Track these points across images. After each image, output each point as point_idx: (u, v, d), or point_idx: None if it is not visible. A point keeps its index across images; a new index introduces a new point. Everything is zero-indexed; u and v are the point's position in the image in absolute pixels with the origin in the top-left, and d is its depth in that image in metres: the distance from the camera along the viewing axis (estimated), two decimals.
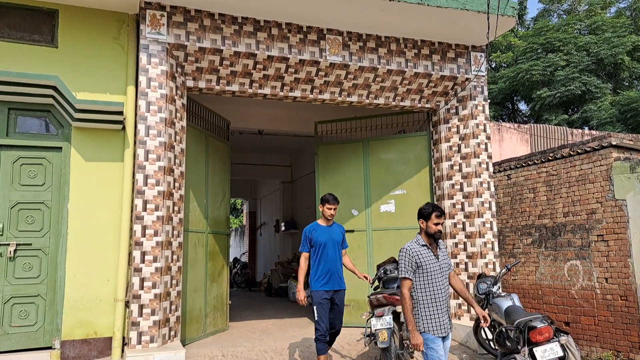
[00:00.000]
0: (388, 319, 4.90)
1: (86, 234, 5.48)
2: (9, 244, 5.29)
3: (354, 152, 7.84)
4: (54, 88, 5.31)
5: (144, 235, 5.30)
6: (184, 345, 5.81)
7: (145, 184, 5.42)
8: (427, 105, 7.23)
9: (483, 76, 7.13)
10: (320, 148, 8.04)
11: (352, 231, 7.66)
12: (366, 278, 5.41)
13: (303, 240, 5.31)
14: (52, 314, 5.38)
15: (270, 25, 6.15)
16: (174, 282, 5.55)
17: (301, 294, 5.14)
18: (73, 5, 5.67)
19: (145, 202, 5.38)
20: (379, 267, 6.18)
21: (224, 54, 5.98)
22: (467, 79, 7.01)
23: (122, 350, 5.33)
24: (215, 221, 7.25)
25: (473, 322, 5.72)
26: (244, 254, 18.68)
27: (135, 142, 5.63)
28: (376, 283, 5.86)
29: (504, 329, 4.71)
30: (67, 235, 5.42)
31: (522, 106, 20.11)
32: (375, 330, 4.90)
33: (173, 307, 5.51)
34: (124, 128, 5.72)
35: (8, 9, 5.50)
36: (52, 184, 5.56)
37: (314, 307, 5.06)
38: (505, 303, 5.12)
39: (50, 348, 5.33)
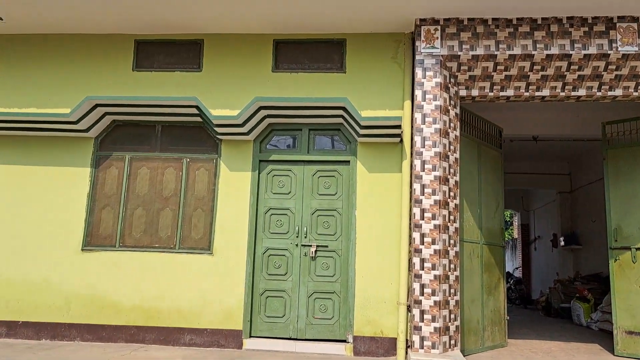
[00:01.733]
0: None
1: (371, 238, 6.01)
2: (311, 245, 6.18)
3: None
4: (344, 109, 6.02)
5: (422, 242, 5.53)
6: (464, 356, 5.81)
7: (422, 193, 5.66)
8: None
9: None
10: (610, 152, 7.09)
11: None
12: None
13: None
14: (345, 310, 6.04)
15: (549, 23, 5.76)
16: (452, 290, 5.62)
17: None
18: (358, 33, 6.36)
19: (422, 211, 5.62)
20: None
21: (497, 59, 5.85)
22: None
23: (406, 352, 5.62)
24: (489, 232, 7.08)
25: None
26: (517, 269, 17.66)
27: (411, 153, 5.95)
28: None
29: None
30: (355, 239, 6.04)
31: None
32: None
33: (452, 315, 5.57)
34: (401, 140, 6.10)
35: (307, 44, 6.49)
36: (342, 193, 6.29)
37: None
38: None
39: (344, 341, 5.98)
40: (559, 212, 13.56)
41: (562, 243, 13.00)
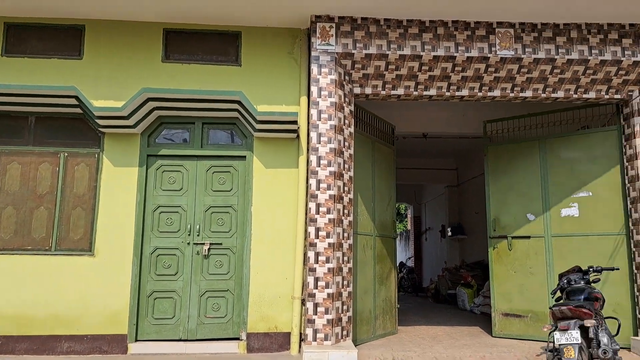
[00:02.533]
0: (575, 334, 4.43)
1: (267, 234, 5.94)
2: (204, 244, 5.98)
3: (528, 152, 7.29)
4: (239, 102, 5.88)
5: (317, 236, 5.58)
6: (355, 346, 5.96)
7: (318, 188, 5.70)
8: (616, 96, 6.42)
9: None
10: (491, 149, 7.63)
11: (528, 237, 7.12)
12: None
13: None
14: (239, 307, 5.93)
15: (436, 25, 6.04)
16: (345, 282, 5.73)
17: None
18: (254, 26, 6.23)
19: (318, 205, 5.66)
20: (561, 276, 5.64)
21: (389, 58, 6.03)
22: None
23: (300, 346, 5.65)
24: (382, 224, 7.33)
25: None
26: (409, 258, 18.58)
27: (308, 149, 5.96)
28: (558, 294, 5.35)
29: None
30: (251, 236, 5.94)
31: None
32: (560, 345, 4.45)
33: (345, 307, 5.68)
34: (298, 136, 6.09)
35: (201, 35, 6.25)
36: (238, 189, 6.15)
37: None
38: None
39: (237, 339, 5.88)
40: (447, 204, 14.43)
41: (450, 233, 13.86)
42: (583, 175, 6.86)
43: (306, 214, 5.86)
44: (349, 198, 6.03)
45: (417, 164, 13.78)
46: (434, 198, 16.31)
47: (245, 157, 6.18)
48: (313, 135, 5.83)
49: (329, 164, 5.75)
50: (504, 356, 5.97)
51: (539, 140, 7.24)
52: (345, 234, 5.85)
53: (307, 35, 6.29)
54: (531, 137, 7.32)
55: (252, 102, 5.92)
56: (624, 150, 6.54)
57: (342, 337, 5.58)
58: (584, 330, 4.75)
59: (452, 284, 12.28)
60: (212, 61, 6.20)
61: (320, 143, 5.80)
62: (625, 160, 6.51)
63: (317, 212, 5.64)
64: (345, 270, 5.76)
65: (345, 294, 5.72)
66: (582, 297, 5.08)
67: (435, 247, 16.23)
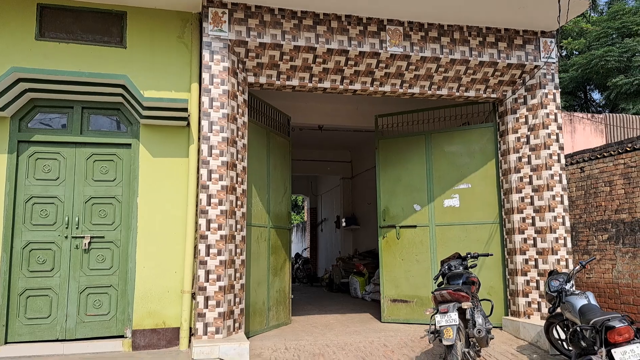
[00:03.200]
0: (453, 315, 4.74)
1: (154, 227, 5.67)
2: (84, 237, 5.57)
3: (416, 146, 7.67)
4: (123, 87, 5.53)
5: (208, 228, 5.42)
6: (248, 338, 5.91)
7: (210, 178, 5.54)
8: (493, 95, 6.94)
9: (553, 63, 6.75)
10: (381, 142, 7.93)
11: (415, 227, 7.51)
12: None
13: None
14: (123, 304, 5.61)
15: (330, 19, 6.11)
16: (238, 275, 5.65)
17: None
18: (140, 7, 5.88)
19: (209, 197, 5.50)
20: (442, 262, 6.01)
21: (283, 48, 6.00)
22: (536, 67, 6.67)
23: (189, 341, 5.48)
24: (277, 216, 7.32)
25: (544, 321, 5.44)
26: (305, 249, 18.83)
27: (199, 138, 5.77)
28: (440, 279, 5.70)
29: (578, 329, 4.44)
30: (136, 228, 5.64)
31: (596, 95, 18.98)
32: (440, 327, 4.75)
33: (237, 299, 5.60)
34: (188, 124, 5.87)
35: (81, 13, 5.77)
36: (123, 179, 5.80)
37: None
38: (579, 301, 4.82)
39: (122, 337, 5.56)
40: (341, 196, 14.81)
41: (344, 224, 14.24)
42: (463, 169, 7.36)
43: (197, 205, 5.67)
44: (243, 189, 5.93)
45: (313, 156, 13.98)
46: (329, 190, 16.65)
47: (130, 145, 5.83)
48: (204, 123, 5.65)
49: (221, 154, 5.61)
50: (391, 340, 6.25)
51: (425, 135, 7.64)
52: (239, 226, 5.76)
53: (198, 20, 6.06)
54: (418, 131, 7.71)
55: (138, 87, 5.58)
56: (499, 145, 7.10)
57: (234, 330, 5.50)
58: (462, 312, 5.10)
59: (345, 273, 12.64)
60: (94, 41, 5.76)
61: (212, 132, 5.64)
62: (499, 154, 7.07)
63: (209, 203, 5.48)
64: (237, 262, 5.67)
65: (237, 287, 5.63)
66: (461, 281, 5.44)
67: (330, 237, 16.61)
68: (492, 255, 6.04)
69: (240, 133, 5.97)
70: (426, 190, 7.53)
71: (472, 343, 4.95)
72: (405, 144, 7.75)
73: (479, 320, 5.32)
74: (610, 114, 9.98)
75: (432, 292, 5.03)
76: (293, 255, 20.00)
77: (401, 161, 7.76)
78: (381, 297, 7.68)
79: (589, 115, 9.86)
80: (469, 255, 5.96)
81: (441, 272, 5.77)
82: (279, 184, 7.47)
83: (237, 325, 5.57)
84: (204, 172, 5.56)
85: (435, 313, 4.89)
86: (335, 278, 13.15)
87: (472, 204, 7.22)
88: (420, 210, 7.54)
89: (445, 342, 4.66)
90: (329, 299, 11.23)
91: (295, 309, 9.22)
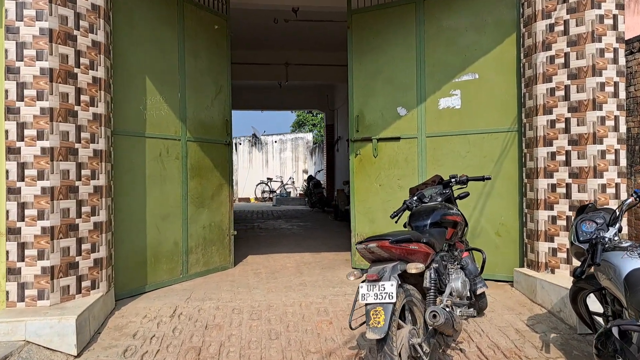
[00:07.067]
0: (389, 286, 2.64)
1: None
2: None
3: (402, 21, 5.25)
4: None
5: (21, 138, 3.44)
6: (126, 298, 4.11)
7: (21, 58, 3.43)
8: None
9: None
10: (355, 17, 5.54)
11: (398, 139, 5.28)
12: None
13: None
14: None
15: None
16: (87, 209, 3.70)
17: None
18: None
19: (20, 86, 3.44)
20: (412, 191, 3.85)
21: None
22: None
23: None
24: (202, 125, 5.27)
25: (571, 284, 3.21)
26: (319, 171, 16.86)
27: None
28: (404, 218, 3.56)
29: (628, 327, 2.23)
30: None
31: None
32: (367, 305, 2.69)
33: (88, 245, 3.70)
34: None
35: None
36: None
37: None
38: (628, 263, 2.54)
39: None
40: None
41: None
42: (469, 51, 4.93)
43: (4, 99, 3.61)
44: (99, 77, 3.82)
45: (320, 59, 11.48)
46: (345, 103, 14.29)
47: None
48: None
49: (40, 17, 3.46)
50: (341, 302, 4.27)
51: (416, 3, 5.18)
52: (86, 134, 3.71)
53: None
54: None
55: None
56: (521, 10, 4.57)
57: (79, 291, 3.64)
58: (415, 280, 3.00)
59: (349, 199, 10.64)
60: None
61: None
62: (522, 24, 4.56)
63: (21, 97, 3.45)
64: (85, 189, 3.70)
65: (87, 226, 3.70)
66: (429, 221, 3.30)
67: (345, 158, 14.47)
68: (489, 179, 3.79)
69: None
70: (415, 85, 5.20)
71: (429, 331, 2.87)
72: (387, 19, 5.34)
73: (456, 285, 3.22)
74: None
75: (356, 245, 2.90)
76: (306, 177, 18.12)
77: (382, 45, 5.39)
78: (352, 235, 5.65)
79: None
80: (453, 180, 3.76)
81: (405, 206, 3.62)
82: (206, 81, 5.35)
83: (88, 283, 3.70)
84: (10, 47, 3.44)
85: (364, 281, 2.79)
86: (340, 205, 11.22)
87: (479, 103, 4.86)
88: (405, 116, 5.26)
89: (369, 334, 2.60)
90: (323, 230, 9.33)
91: (265, 244, 7.43)
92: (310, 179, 15.10)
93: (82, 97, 3.66)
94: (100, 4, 3.80)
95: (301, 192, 18.78)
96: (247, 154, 21.77)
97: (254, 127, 21.33)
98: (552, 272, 4.21)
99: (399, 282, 2.74)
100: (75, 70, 3.62)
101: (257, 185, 20.37)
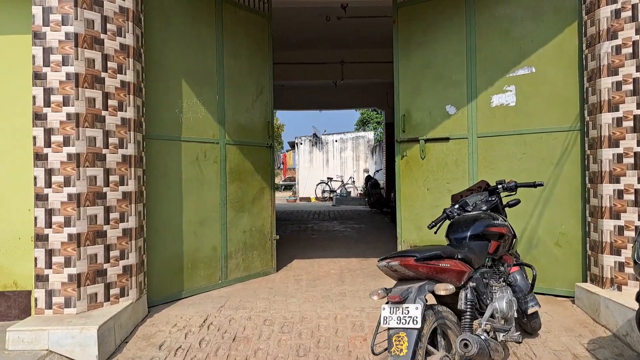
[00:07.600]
0: (414, 310, 2.36)
1: None
2: None
3: (450, 11, 4.88)
4: None
5: (48, 144, 3.44)
6: (158, 305, 4.06)
7: (47, 64, 3.43)
8: None
9: None
10: (402, 11, 5.22)
11: (447, 139, 4.91)
12: None
13: None
14: None
15: None
16: (116, 216, 3.66)
17: None
18: None
19: (48, 92, 3.43)
20: (454, 199, 3.53)
21: None
22: None
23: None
24: (242, 127, 5.16)
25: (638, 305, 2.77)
26: (377, 171, 16.49)
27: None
28: (443, 227, 3.24)
29: None
30: None
31: None
32: (389, 329, 2.42)
33: (114, 253, 3.66)
34: None
35: None
36: None
37: None
38: None
39: None
40: None
41: None
42: (524, 42, 4.48)
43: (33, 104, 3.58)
44: (125, 81, 3.76)
45: (383, 57, 11.08)
46: None
47: None
48: None
49: (65, 21, 3.44)
50: (376, 314, 4.00)
51: None
52: (114, 140, 3.66)
53: None
54: None
55: None
56: None
57: (108, 299, 3.61)
58: (445, 303, 2.69)
59: None
60: None
61: None
62: (584, 11, 4.07)
63: (48, 103, 3.45)
64: (113, 195, 3.66)
65: (114, 233, 3.66)
66: (468, 233, 2.97)
67: None
68: (541, 185, 3.39)
69: None
70: (465, 81, 4.81)
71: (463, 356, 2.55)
72: (435, 10, 4.99)
73: (500, 306, 2.87)
74: None
75: (378, 262, 2.63)
76: (364, 177, 17.78)
77: (429, 39, 5.04)
78: (397, 243, 5.34)
79: None
80: (500, 187, 3.39)
81: (444, 215, 3.30)
82: (246, 82, 5.23)
83: (116, 291, 3.66)
84: (38, 52, 3.44)
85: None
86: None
87: (536, 99, 4.41)
88: (455, 114, 4.89)
89: None
90: (376, 233, 9.03)
91: (314, 248, 7.26)
92: (369, 179, 14.79)
93: (110, 102, 3.62)
94: (129, 6, 3.76)
95: (361, 191, 18.51)
96: (308, 153, 21.77)
97: (314, 127, 21.29)
98: (619, 289, 3.72)
99: (426, 304, 2.45)
100: (103, 74, 3.59)
101: (317, 185, 20.30)
